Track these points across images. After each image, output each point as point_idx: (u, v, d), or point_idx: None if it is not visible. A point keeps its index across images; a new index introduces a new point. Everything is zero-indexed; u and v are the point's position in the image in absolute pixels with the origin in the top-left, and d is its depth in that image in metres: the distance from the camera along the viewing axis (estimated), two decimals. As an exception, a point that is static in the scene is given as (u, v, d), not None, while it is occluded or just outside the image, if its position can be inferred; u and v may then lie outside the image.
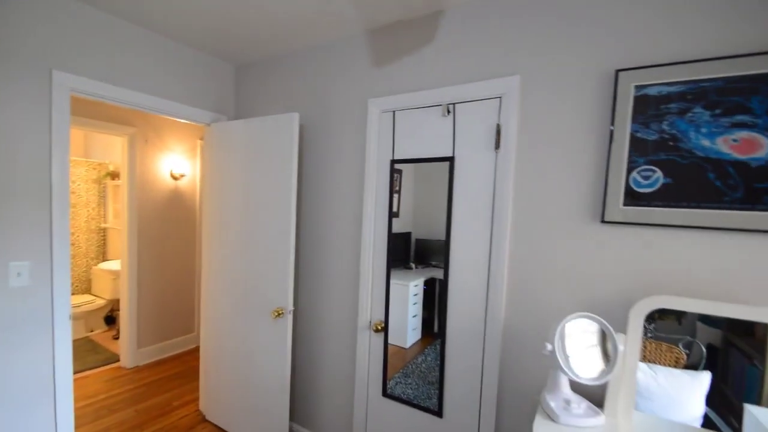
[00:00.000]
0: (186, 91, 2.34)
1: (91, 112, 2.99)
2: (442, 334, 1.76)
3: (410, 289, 1.94)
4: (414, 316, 1.95)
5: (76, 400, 2.73)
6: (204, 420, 2.58)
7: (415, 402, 1.86)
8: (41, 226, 1.76)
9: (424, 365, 1.89)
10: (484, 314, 1.64)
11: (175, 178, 3.56)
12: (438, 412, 1.77)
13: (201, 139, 3.76)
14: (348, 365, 2.09)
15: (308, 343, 2.27)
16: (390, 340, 1.96)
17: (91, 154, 4.78)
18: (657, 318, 1.28)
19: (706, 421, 1.19)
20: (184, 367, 3.39)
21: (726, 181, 1.18)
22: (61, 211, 1.82)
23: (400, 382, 1.94)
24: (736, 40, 1.18)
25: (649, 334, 1.29)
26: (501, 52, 1.59)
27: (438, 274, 1.81)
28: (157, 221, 3.47)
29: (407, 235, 1.95)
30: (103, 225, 4.54)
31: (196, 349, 3.72)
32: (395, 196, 1.91)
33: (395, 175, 1.89)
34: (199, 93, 2.42)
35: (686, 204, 1.24)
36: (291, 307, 2.10)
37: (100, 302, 4.11)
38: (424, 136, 1.78)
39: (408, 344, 1.96)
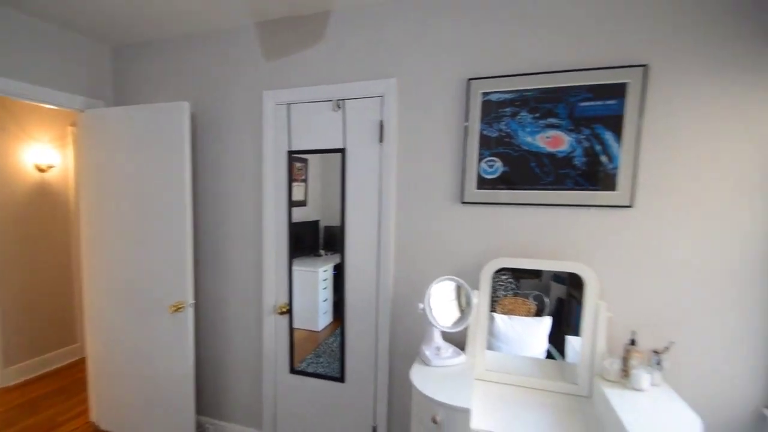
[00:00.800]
0: (50, 74, 2.10)
1: None
2: (341, 312, 1.95)
3: (319, 274, 2.08)
4: (324, 301, 2.09)
5: None
6: (98, 430, 2.41)
7: (318, 373, 2.04)
8: None
9: (334, 345, 2.06)
10: (376, 289, 1.88)
11: (42, 170, 3.12)
12: (340, 378, 1.98)
13: (72, 125, 3.33)
14: (256, 350, 2.18)
15: (214, 334, 2.28)
16: (301, 325, 2.09)
17: None
18: (521, 278, 1.63)
19: (548, 355, 1.59)
20: (66, 381, 3.06)
21: (543, 168, 1.57)
22: None
23: (312, 362, 2.09)
24: (547, 59, 1.56)
25: (513, 292, 1.64)
26: (381, 56, 1.80)
27: None
28: (21, 220, 3.01)
29: (315, 223, 2.08)
30: (-61, 229, 3.73)
31: (82, 361, 3.36)
32: (302, 185, 2.02)
33: (297, 164, 2.00)
34: (67, 75, 2.19)
35: (518, 187, 1.61)
36: (192, 300, 2.09)
37: (-56, 321, 3.42)
38: (318, 129, 1.92)
39: (320, 327, 2.11)
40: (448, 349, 1.51)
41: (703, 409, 1.44)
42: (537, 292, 1.66)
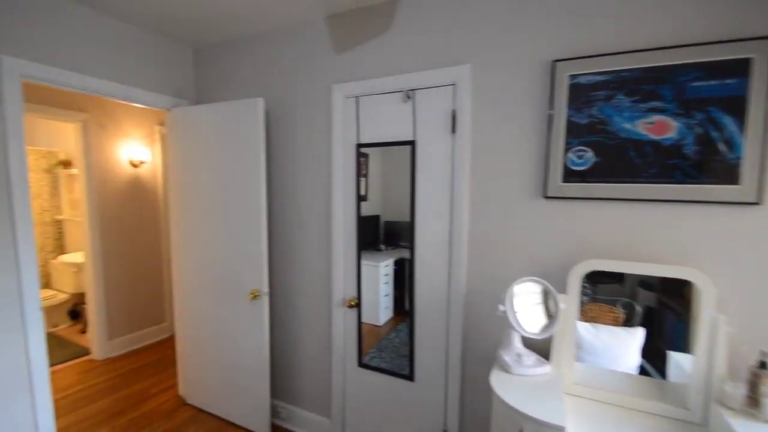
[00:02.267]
0: (143, 76, 2.29)
1: (39, 97, 2.83)
2: (411, 309, 1.92)
3: (381, 269, 2.06)
4: (386, 296, 2.08)
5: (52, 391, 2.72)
6: (185, 404, 2.65)
7: (388, 369, 2.03)
8: (2, 219, 1.73)
9: (397, 340, 2.04)
10: (447, 286, 1.81)
11: (135, 166, 3.46)
12: (409, 377, 1.95)
13: (160, 124, 3.65)
14: (325, 340, 2.23)
15: (286, 322, 2.38)
16: (363, 319, 2.09)
17: (35, 141, 4.48)
18: (599, 282, 1.48)
19: (642, 371, 1.41)
20: (159, 356, 3.41)
21: (644, 158, 1.38)
22: (22, 201, 1.79)
23: (375, 357, 2.09)
24: (646, 36, 1.36)
25: (590, 297, 1.49)
26: (453, 42, 1.69)
27: (407, 254, 1.93)
28: (119, 210, 3.38)
29: (376, 218, 2.06)
30: (58, 217, 4.34)
31: (170, 339, 3.73)
32: (363, 180, 2.01)
33: (362, 158, 1.99)
34: (157, 77, 2.37)
35: (613, 180, 1.43)
36: (266, 289, 2.18)
37: (63, 297, 3.99)
38: (387, 121, 1.88)
39: (381, 322, 2.10)
40: (530, 357, 1.40)
41: None
42: (625, 299, 1.49)
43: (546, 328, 1.35)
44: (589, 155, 1.46)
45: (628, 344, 1.48)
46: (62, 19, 1.90)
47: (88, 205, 3.16)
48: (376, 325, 2.11)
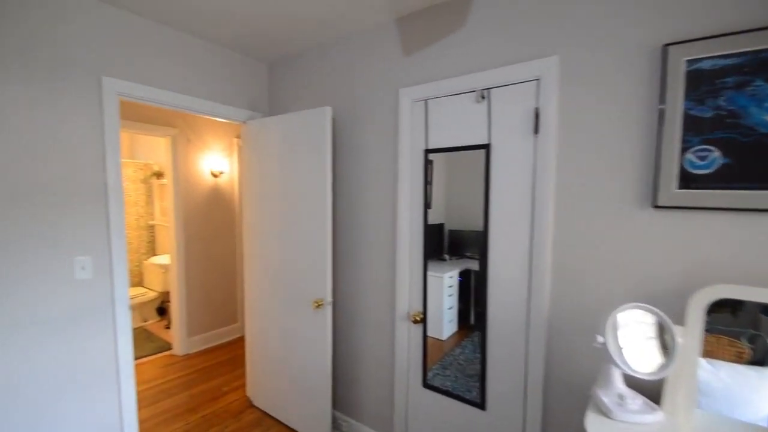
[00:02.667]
0: (223, 91, 2.42)
1: (136, 115, 3.16)
2: (482, 326, 1.74)
3: (445, 280, 1.93)
4: (450, 308, 1.94)
5: (137, 384, 2.96)
6: (251, 405, 2.72)
7: (456, 393, 1.86)
8: (99, 224, 1.90)
9: (462, 357, 1.88)
10: (526, 305, 1.60)
11: (215, 176, 3.72)
12: (480, 405, 1.76)
13: (237, 137, 3.89)
14: (387, 355, 2.13)
15: (348, 334, 2.33)
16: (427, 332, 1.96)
17: (136, 155, 5.08)
18: (711, 310, 1.20)
19: None
20: (230, 355, 3.58)
21: (797, 158, 1.08)
22: (116, 209, 1.95)
23: (439, 374, 1.94)
24: (809, 1, 1.07)
25: (707, 327, 1.21)
26: (537, 32, 1.52)
27: (473, 265, 1.79)
28: (200, 217, 3.64)
29: (440, 226, 1.93)
30: (151, 222, 4.83)
31: (241, 339, 3.92)
32: (427, 187, 1.90)
33: (428, 165, 1.87)
34: (235, 92, 2.50)
35: (748, 185, 1.14)
36: (330, 299, 2.15)
37: (152, 294, 4.40)
38: (458, 124, 1.74)
39: (444, 336, 1.96)
40: (635, 400, 1.16)
41: None
42: (752, 331, 1.18)
43: (661, 367, 1.10)
44: (715, 156, 1.18)
45: (757, 387, 1.16)
46: (152, 41, 2.08)
47: (174, 212, 3.45)
48: (439, 339, 1.96)
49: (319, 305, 2.15)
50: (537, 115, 1.52)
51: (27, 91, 1.66)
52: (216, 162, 3.71)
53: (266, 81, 2.69)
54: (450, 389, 1.89)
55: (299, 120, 2.21)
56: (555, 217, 1.51)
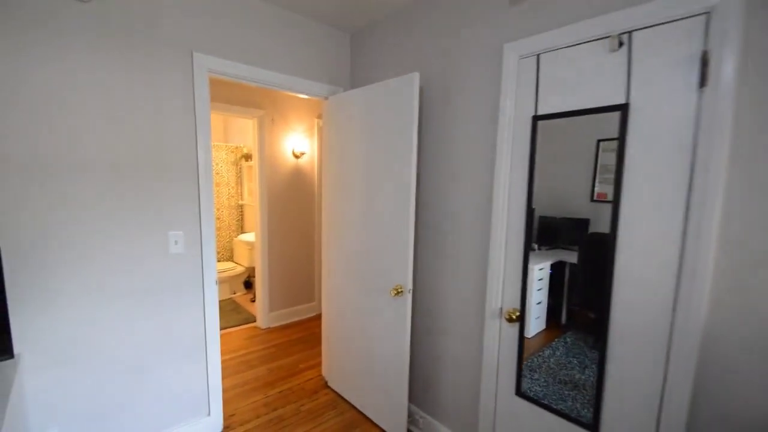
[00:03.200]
0: (307, 65, 2.34)
1: (227, 97, 3.28)
2: (602, 331, 1.40)
3: (535, 273, 1.66)
4: (538, 303, 1.68)
5: (222, 353, 3.14)
6: (326, 386, 2.70)
7: (557, 408, 1.56)
8: (191, 201, 1.94)
9: (552, 360, 1.61)
10: (670, 312, 1.23)
11: (297, 157, 3.75)
12: (593, 427, 1.44)
13: (318, 117, 3.88)
14: (473, 355, 1.89)
15: (430, 326, 2.13)
16: (518, 330, 1.69)
17: (229, 138, 5.42)
18: None
19: None
20: (307, 333, 3.64)
21: None
22: (206, 187, 1.98)
23: (526, 377, 1.68)
24: None
25: None
26: (713, -55, 1.10)
27: (566, 256, 1.56)
28: (283, 197, 3.72)
29: (530, 212, 1.64)
30: (240, 202, 5.14)
31: (317, 317, 3.98)
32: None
33: (535, 135, 1.56)
34: (319, 66, 2.40)
35: None
36: (410, 286, 1.97)
37: (240, 269, 4.69)
38: (583, 82, 1.39)
39: (531, 334, 1.69)
40: None
41: None
42: None
43: None
44: None
45: None
46: (237, 15, 2.04)
47: (259, 192, 3.56)
48: (525, 337, 1.68)
49: (398, 292, 1.98)
50: (705, 62, 1.12)
51: (127, 71, 1.71)
52: (298, 142, 3.74)
53: (348, 52, 2.55)
54: (539, 396, 1.61)
55: (382, 91, 2.03)
56: (725, 199, 1.11)
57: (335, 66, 2.49)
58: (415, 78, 1.83)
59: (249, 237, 4.66)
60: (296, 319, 3.96)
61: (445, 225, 1.99)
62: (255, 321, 3.84)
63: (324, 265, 2.62)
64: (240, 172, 5.14)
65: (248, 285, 4.84)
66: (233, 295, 4.71)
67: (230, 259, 5.08)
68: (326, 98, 2.45)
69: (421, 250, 2.13)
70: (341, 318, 2.47)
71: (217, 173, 4.91)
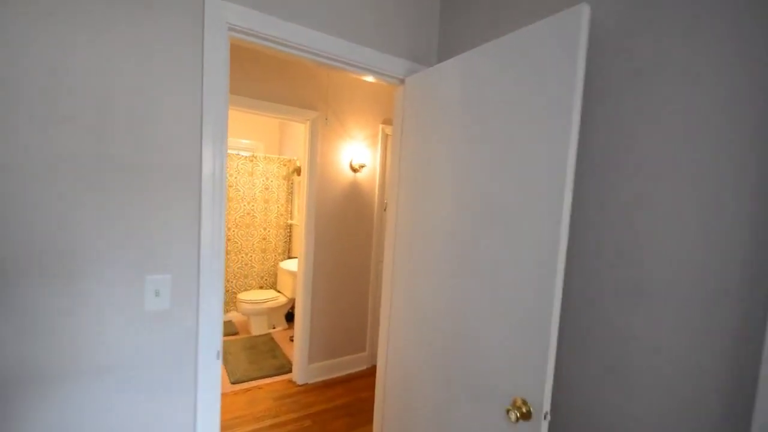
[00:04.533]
0: (375, 31, 1.58)
1: (275, 95, 2.65)
2: None
3: None
4: None
5: (242, 420, 2.40)
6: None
7: None
8: (186, 226, 1.22)
9: None
10: None
11: (355, 170, 3.02)
12: None
13: (384, 122, 3.14)
14: None
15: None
16: None
17: (284, 150, 4.91)
18: None
19: None
20: (353, 397, 2.80)
21: None
22: (215, 205, 1.26)
23: None
24: None
25: None
26: None
27: None
28: (334, 219, 2.98)
29: None
30: (289, 221, 4.54)
31: (367, 373, 3.13)
32: None
33: None
34: (392, 33, 1.63)
35: None
36: (546, 407, 1.04)
37: (283, 300, 4.02)
38: None
39: None
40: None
41: None
42: None
43: None
44: None
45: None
46: (286, -57, 1.34)
47: (306, 212, 2.86)
48: None
49: (522, 414, 1.06)
50: None
51: (93, 22, 1.05)
52: (357, 153, 3.01)
53: (438, 15, 1.76)
54: None
55: (506, 50, 1.18)
56: None
57: (418, 34, 1.71)
58: (583, 14, 0.96)
59: (291, 265, 3.99)
60: (341, 373, 3.13)
61: (625, 286, 1.06)
62: (290, 371, 3.08)
63: (383, 321, 1.78)
64: (291, 187, 4.56)
65: (290, 317, 4.15)
66: (272, 330, 4.03)
67: (273, 286, 4.45)
68: (402, 81, 1.67)
69: (571, 332, 1.20)
70: (408, 409, 1.59)
71: (267, 188, 4.36)
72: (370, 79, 1.68)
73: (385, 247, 1.79)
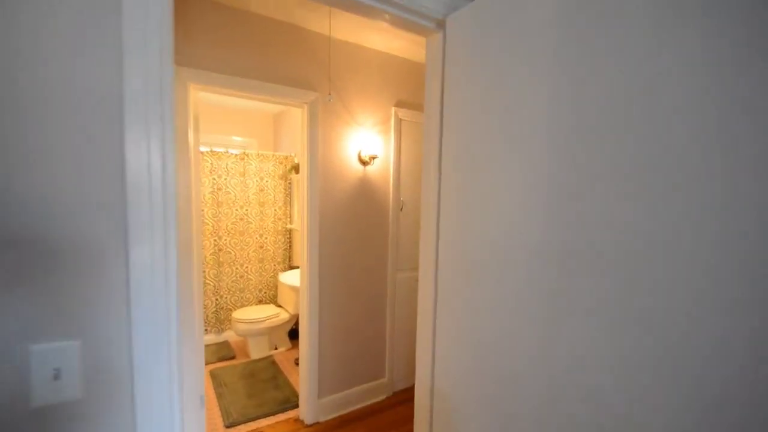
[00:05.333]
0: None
1: (265, 74, 2.12)
2: None
3: None
4: None
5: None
6: None
7: None
8: (107, 253, 0.70)
9: None
10: None
11: (364, 163, 2.49)
12: None
13: (397, 105, 2.61)
14: None
15: None
16: None
17: (280, 146, 4.40)
18: None
19: None
20: (374, 437, 2.29)
21: None
22: (154, 216, 0.74)
23: None
24: None
25: None
26: None
27: None
28: (341, 223, 2.46)
29: None
30: (288, 226, 4.03)
31: (387, 404, 2.62)
32: None
33: None
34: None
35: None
36: None
37: (285, 316, 3.51)
38: None
39: None
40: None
41: None
42: None
43: None
44: None
45: None
46: None
47: (308, 214, 2.34)
48: None
49: None
50: None
51: None
52: (367, 142, 2.49)
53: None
54: None
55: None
56: None
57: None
58: None
59: (291, 278, 3.47)
60: (357, 406, 2.62)
61: None
62: (297, 406, 2.57)
63: (424, 343, 1.26)
64: (289, 187, 4.05)
65: (295, 334, 3.63)
66: (274, 352, 3.52)
67: (273, 301, 3.94)
68: (439, 24, 1.14)
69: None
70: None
71: (262, 190, 3.85)
72: (388, 19, 1.15)
73: (421, 255, 1.27)
